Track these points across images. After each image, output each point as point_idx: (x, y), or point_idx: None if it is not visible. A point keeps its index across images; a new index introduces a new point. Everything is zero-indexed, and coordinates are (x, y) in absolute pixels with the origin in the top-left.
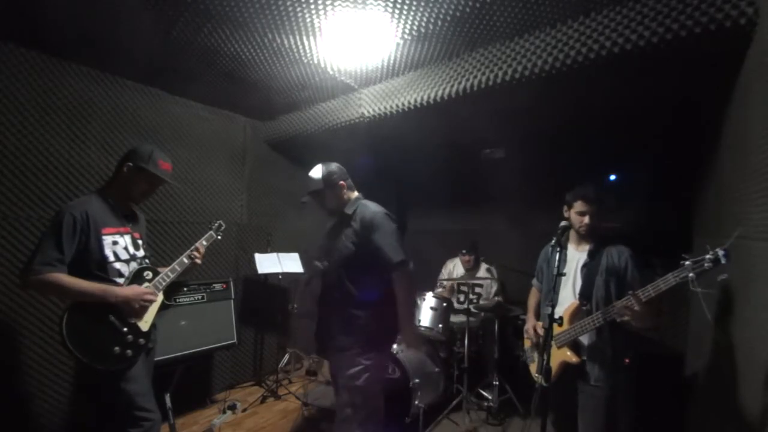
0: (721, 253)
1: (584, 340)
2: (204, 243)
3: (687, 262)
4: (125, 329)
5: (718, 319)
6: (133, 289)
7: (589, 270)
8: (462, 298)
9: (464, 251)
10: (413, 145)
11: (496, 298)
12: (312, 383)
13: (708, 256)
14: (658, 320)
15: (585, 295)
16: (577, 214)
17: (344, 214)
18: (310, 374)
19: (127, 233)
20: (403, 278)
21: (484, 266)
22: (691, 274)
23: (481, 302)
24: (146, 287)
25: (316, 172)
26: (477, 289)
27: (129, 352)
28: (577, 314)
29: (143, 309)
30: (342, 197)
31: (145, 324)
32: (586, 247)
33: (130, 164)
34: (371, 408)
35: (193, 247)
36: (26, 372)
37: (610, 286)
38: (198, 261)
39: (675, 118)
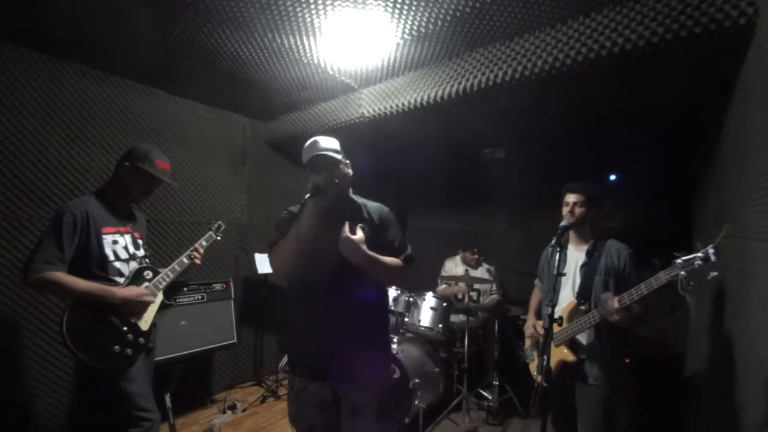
0: (711, 250)
1: (582, 339)
2: (204, 243)
3: (678, 261)
4: (125, 328)
5: (717, 319)
6: (132, 290)
7: (587, 269)
8: (461, 295)
9: (475, 249)
10: (413, 145)
11: (495, 296)
12: None
13: (699, 254)
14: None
15: (583, 294)
16: (565, 206)
17: (347, 203)
18: None
19: (127, 233)
20: (409, 272)
21: (484, 266)
22: (682, 273)
23: (480, 301)
24: (146, 287)
25: (333, 141)
26: (475, 286)
27: (129, 351)
28: (575, 313)
29: (142, 309)
30: (348, 179)
31: (145, 323)
32: (585, 247)
33: (127, 164)
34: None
35: (192, 248)
36: (26, 372)
37: (609, 285)
38: (197, 261)
39: (675, 118)
